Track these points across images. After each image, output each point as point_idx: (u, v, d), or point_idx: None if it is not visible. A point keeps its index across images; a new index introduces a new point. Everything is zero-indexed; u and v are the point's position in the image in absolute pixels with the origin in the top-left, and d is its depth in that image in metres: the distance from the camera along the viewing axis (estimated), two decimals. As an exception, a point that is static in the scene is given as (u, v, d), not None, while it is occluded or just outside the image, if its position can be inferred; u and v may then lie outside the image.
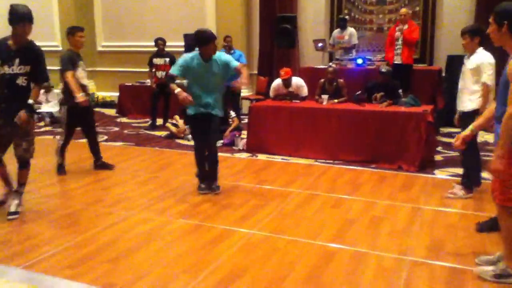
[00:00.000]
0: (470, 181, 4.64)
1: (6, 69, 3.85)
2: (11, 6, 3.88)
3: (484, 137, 7.04)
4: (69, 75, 5.27)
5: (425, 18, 8.80)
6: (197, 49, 4.63)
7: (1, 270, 3.17)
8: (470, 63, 4.50)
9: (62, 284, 2.99)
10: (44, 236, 3.71)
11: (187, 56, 4.71)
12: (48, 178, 5.31)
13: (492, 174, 2.92)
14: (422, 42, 8.85)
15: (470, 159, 4.59)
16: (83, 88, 5.42)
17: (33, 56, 3.99)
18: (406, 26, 7.31)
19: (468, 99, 4.49)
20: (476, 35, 4.46)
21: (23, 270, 3.16)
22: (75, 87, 5.25)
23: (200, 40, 4.54)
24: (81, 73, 5.42)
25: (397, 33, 7.37)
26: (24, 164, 4.14)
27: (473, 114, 4.36)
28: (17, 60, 3.87)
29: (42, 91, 9.34)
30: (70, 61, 5.34)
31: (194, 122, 4.78)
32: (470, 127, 3.33)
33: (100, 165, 5.68)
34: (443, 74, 8.08)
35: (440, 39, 8.75)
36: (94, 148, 5.72)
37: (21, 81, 3.94)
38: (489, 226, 3.73)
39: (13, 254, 3.40)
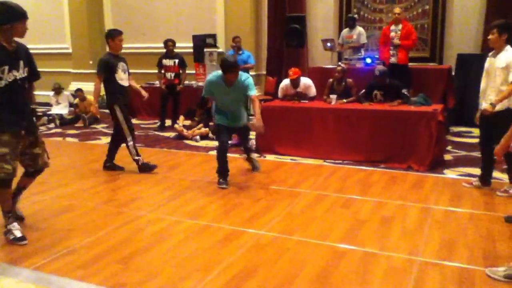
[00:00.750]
0: None
1: (16, 74, 3.47)
2: (3, 3, 3.43)
3: None
4: (97, 81, 5.44)
5: (434, 16, 8.75)
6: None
7: (13, 270, 3.20)
8: (499, 61, 4.35)
9: (72, 285, 3.01)
10: (56, 237, 3.74)
11: (212, 76, 5.05)
12: (59, 179, 5.35)
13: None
14: (431, 40, 8.80)
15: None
16: (123, 89, 5.48)
17: (29, 56, 3.64)
18: (400, 27, 7.25)
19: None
20: (505, 31, 4.33)
21: (34, 270, 3.19)
22: (95, 95, 5.54)
23: (223, 68, 4.82)
24: (120, 74, 5.47)
25: (392, 34, 7.31)
26: (39, 174, 3.90)
27: (506, 114, 4.29)
28: (21, 63, 3.51)
29: (52, 93, 9.43)
30: (105, 65, 5.41)
31: (221, 127, 5.12)
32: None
33: (109, 166, 5.71)
34: (453, 73, 8.02)
35: (450, 37, 8.69)
36: (114, 150, 5.72)
37: (26, 84, 3.64)
38: None
39: (24, 254, 3.43)
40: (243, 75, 4.94)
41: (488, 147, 4.42)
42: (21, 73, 3.51)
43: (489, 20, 8.04)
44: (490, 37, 4.44)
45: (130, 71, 5.69)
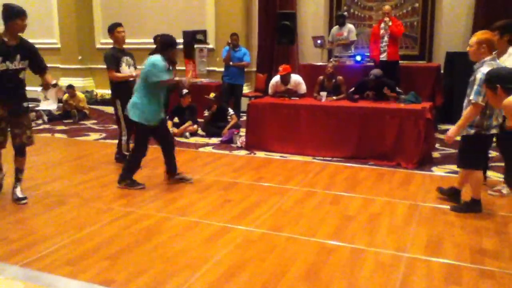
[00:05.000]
0: None
1: (9, 65, 4.08)
2: (5, 4, 4.11)
3: None
4: (113, 73, 5.44)
5: (424, 14, 8.80)
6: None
7: (0, 267, 3.17)
8: (506, 63, 4.11)
9: (60, 281, 2.99)
10: (43, 233, 3.72)
11: (159, 61, 4.59)
12: (47, 175, 5.31)
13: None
14: (421, 38, 8.86)
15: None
16: (126, 84, 5.45)
17: (31, 50, 4.26)
18: (390, 23, 7.29)
19: None
20: (506, 32, 4.29)
21: (22, 267, 3.17)
22: (125, 77, 5.46)
23: (170, 44, 4.63)
24: (124, 68, 5.48)
25: (382, 31, 7.35)
26: (24, 152, 4.38)
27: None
28: (18, 56, 4.12)
29: (40, 88, 9.33)
30: (112, 59, 5.43)
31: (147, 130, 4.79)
32: None
33: (118, 158, 5.75)
34: (442, 71, 8.09)
35: (439, 35, 8.75)
36: (127, 140, 5.71)
37: (22, 75, 4.25)
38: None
39: (11, 251, 3.40)
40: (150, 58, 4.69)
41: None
42: (15, 64, 4.11)
43: (478, 18, 8.15)
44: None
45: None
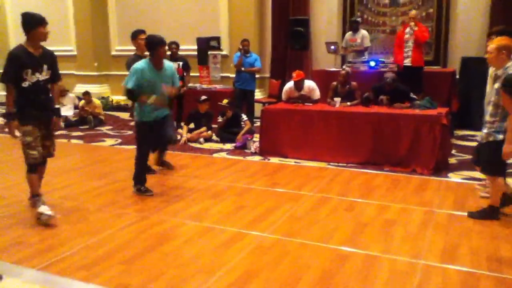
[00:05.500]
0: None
1: (39, 76, 3.99)
2: (25, 13, 4.01)
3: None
4: None
5: (438, 19, 8.74)
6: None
7: (17, 271, 3.22)
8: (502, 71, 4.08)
9: (76, 285, 3.02)
10: (59, 238, 3.76)
11: (138, 64, 4.63)
12: (63, 180, 5.38)
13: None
14: (436, 44, 8.79)
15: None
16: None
17: (52, 59, 4.17)
18: (416, 28, 7.25)
19: None
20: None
21: (38, 271, 3.21)
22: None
23: (155, 43, 4.54)
24: None
25: (407, 35, 7.31)
26: (46, 161, 4.34)
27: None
28: (45, 66, 4.03)
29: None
30: (130, 65, 5.42)
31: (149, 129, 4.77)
32: None
33: (162, 162, 5.81)
34: (457, 76, 8.01)
35: (454, 41, 8.68)
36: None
37: (49, 85, 4.18)
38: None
39: (28, 255, 3.45)
40: (166, 61, 4.74)
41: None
42: (43, 75, 4.03)
43: (493, 23, 8.04)
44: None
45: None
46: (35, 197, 4.18)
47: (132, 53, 5.76)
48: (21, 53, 3.92)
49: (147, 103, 4.56)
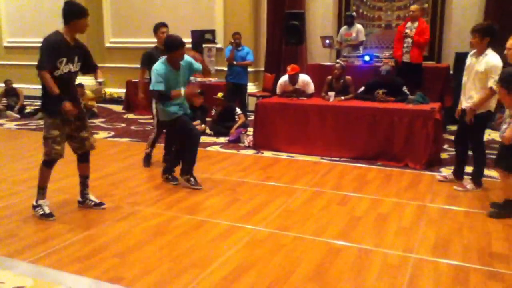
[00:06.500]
0: (480, 178, 4.74)
1: (71, 67, 3.85)
2: (67, 1, 3.85)
3: (491, 135, 7.01)
4: (139, 73, 5.54)
5: (433, 15, 8.77)
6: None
7: (11, 263, 3.21)
8: (479, 65, 4.43)
9: (69, 278, 3.02)
10: (53, 230, 3.75)
11: (156, 66, 4.65)
12: (58, 173, 5.33)
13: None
14: (430, 39, 8.80)
15: (483, 156, 4.74)
16: None
17: (85, 51, 4.03)
18: (416, 24, 7.23)
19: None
20: (486, 35, 4.39)
21: (31, 264, 3.20)
22: (140, 86, 5.51)
23: (170, 47, 4.52)
24: None
25: (407, 31, 7.30)
26: (89, 157, 4.24)
27: (484, 116, 4.53)
28: (76, 58, 3.88)
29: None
30: (146, 58, 5.47)
31: (183, 117, 4.82)
32: None
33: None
34: (451, 72, 8.05)
35: (448, 36, 8.72)
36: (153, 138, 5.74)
37: (77, 76, 4.07)
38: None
39: (21, 247, 3.44)
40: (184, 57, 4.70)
41: (462, 145, 4.84)
42: (75, 66, 3.89)
43: (488, 19, 8.08)
44: (471, 40, 4.50)
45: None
46: (41, 190, 4.03)
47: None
48: (59, 41, 3.76)
49: (181, 95, 4.64)
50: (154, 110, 5.45)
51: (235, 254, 3.34)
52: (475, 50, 4.56)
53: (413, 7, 7.45)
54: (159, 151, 5.78)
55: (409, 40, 7.26)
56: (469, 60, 4.62)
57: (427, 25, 7.53)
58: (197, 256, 3.31)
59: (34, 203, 4.05)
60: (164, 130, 5.48)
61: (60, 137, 3.89)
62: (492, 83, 4.30)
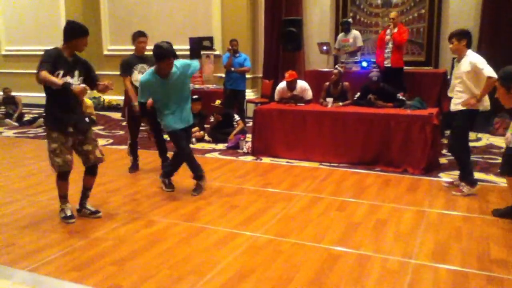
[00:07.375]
0: (471, 176, 4.76)
1: (70, 80, 3.88)
2: (69, 21, 4.07)
3: (489, 139, 7.02)
4: (126, 81, 5.51)
5: (430, 20, 8.81)
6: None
7: (8, 272, 3.19)
8: (463, 66, 4.56)
9: (67, 286, 3.00)
10: (50, 239, 3.74)
11: (143, 76, 4.67)
12: (54, 181, 5.33)
13: None
14: (427, 44, 8.86)
15: (466, 153, 4.83)
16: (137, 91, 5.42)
17: (86, 66, 4.10)
18: (395, 30, 7.29)
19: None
20: (463, 38, 4.57)
21: (28, 272, 3.19)
22: (131, 94, 5.47)
23: (157, 56, 4.46)
24: (135, 75, 5.47)
25: (387, 37, 7.35)
26: (97, 171, 4.27)
27: (472, 115, 4.66)
28: (76, 72, 3.95)
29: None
30: (124, 66, 5.51)
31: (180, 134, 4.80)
32: None
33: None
34: (449, 77, 8.06)
35: (445, 41, 8.66)
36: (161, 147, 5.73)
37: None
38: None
39: (18, 256, 3.42)
40: (177, 62, 4.62)
41: (456, 151, 4.86)
42: (75, 80, 3.92)
43: (485, 25, 8.13)
44: (450, 46, 4.70)
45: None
46: (62, 198, 4.18)
47: (130, 53, 5.75)
48: (56, 54, 3.86)
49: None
50: (127, 117, 5.66)
51: (234, 260, 3.33)
52: (457, 57, 4.72)
53: (393, 14, 7.51)
54: (155, 158, 5.77)
55: (390, 45, 7.29)
56: (455, 67, 4.79)
57: (406, 29, 7.56)
58: (195, 263, 3.29)
59: (60, 208, 4.20)
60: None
61: (60, 150, 3.93)
62: (487, 72, 4.37)
